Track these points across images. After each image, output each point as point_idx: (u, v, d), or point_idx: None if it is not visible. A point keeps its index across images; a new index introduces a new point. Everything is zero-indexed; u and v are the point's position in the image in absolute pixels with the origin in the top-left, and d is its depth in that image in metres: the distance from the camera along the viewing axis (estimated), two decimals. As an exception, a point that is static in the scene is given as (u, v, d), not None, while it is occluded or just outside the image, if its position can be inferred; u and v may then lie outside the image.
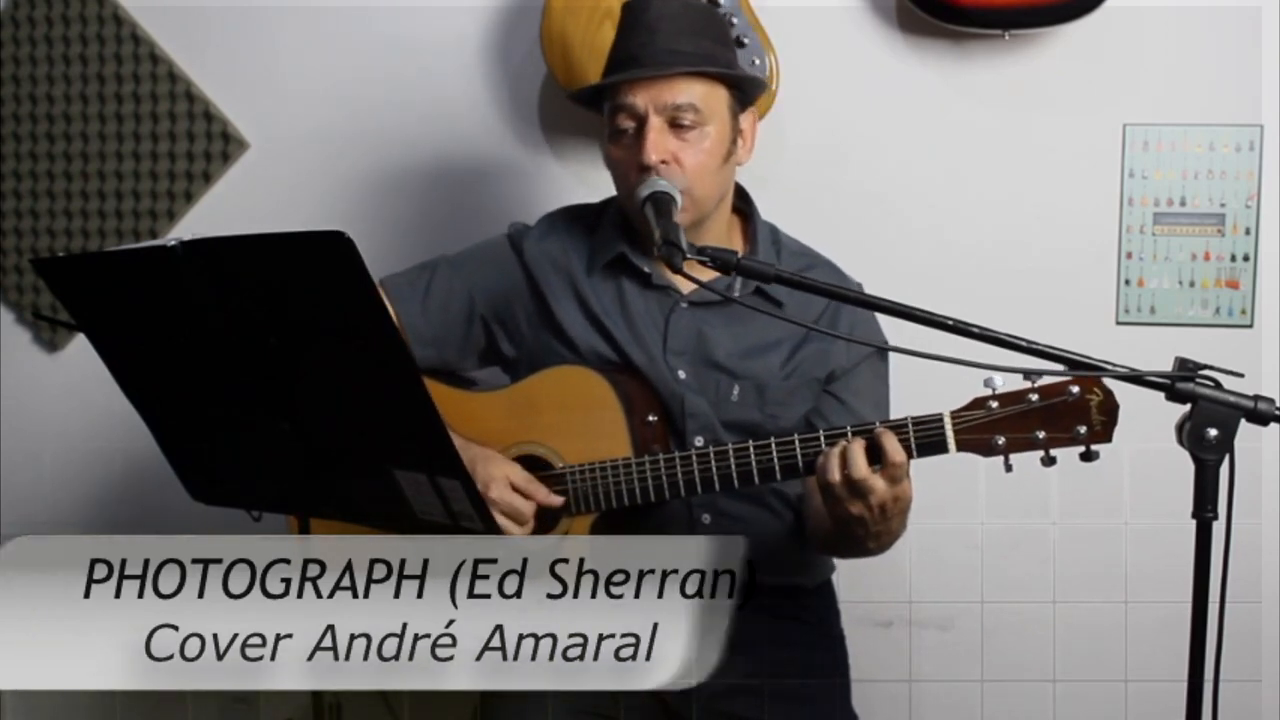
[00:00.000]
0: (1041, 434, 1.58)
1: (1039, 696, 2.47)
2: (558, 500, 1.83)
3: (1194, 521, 1.34)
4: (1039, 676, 2.47)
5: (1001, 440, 1.60)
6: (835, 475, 1.62)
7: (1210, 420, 1.33)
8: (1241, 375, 1.37)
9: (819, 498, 1.71)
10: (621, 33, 1.89)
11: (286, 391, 1.54)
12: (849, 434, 1.66)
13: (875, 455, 1.62)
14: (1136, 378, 1.39)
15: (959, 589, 2.48)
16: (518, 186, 2.58)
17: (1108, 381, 1.54)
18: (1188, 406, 1.35)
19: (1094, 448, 1.57)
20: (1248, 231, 2.35)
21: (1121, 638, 2.43)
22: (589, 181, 2.52)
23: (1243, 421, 1.33)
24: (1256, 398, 1.34)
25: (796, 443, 1.71)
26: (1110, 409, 1.56)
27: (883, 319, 1.94)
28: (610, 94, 1.86)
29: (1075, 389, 1.56)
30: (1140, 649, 2.40)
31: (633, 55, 1.84)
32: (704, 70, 1.82)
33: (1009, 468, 1.60)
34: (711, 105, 1.83)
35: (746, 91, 1.90)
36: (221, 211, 2.70)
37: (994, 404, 1.60)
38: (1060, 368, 1.43)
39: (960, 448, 1.63)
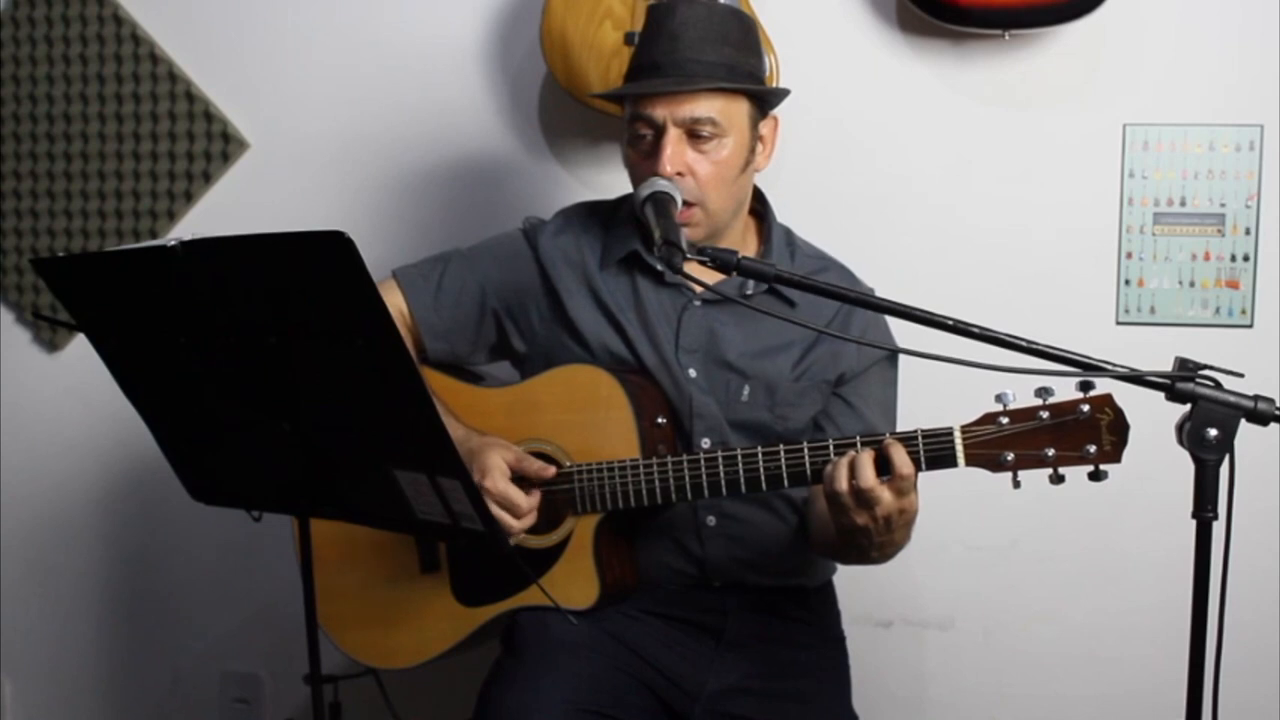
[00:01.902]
0: (1051, 452, 1.57)
1: (1039, 696, 2.47)
2: (550, 470, 1.83)
3: (1194, 521, 1.34)
4: (1039, 676, 2.46)
5: (1011, 457, 1.59)
6: (843, 485, 1.62)
7: (1210, 420, 1.33)
8: (1241, 375, 1.37)
9: (824, 505, 1.71)
10: (646, 36, 1.88)
11: (286, 391, 1.54)
12: (858, 444, 1.66)
13: (883, 466, 1.62)
14: (1136, 378, 1.38)
15: (959, 589, 2.48)
16: (517, 186, 2.58)
17: (1112, 391, 1.54)
18: (1188, 406, 1.35)
19: (1102, 467, 1.56)
20: (1248, 231, 2.35)
21: (1121, 638, 2.42)
22: (589, 182, 2.52)
23: (1243, 421, 1.33)
24: (1256, 398, 1.34)
25: (805, 451, 1.71)
26: (1120, 429, 1.55)
27: (893, 325, 1.94)
28: (630, 99, 1.86)
29: (1086, 408, 1.55)
30: (1139, 649, 2.40)
31: (655, 63, 1.83)
32: (724, 86, 1.82)
33: (1017, 484, 1.60)
34: (731, 117, 1.83)
35: (768, 99, 1.90)
36: (221, 211, 2.71)
37: (1004, 420, 1.59)
38: (1061, 368, 1.43)
39: (969, 463, 1.62)
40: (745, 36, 1.88)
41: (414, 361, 1.45)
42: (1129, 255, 2.39)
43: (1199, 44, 2.35)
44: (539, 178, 2.56)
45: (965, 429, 1.62)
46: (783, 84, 2.33)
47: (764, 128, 1.90)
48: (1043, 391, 1.53)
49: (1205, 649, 1.34)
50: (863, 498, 1.61)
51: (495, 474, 1.80)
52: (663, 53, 1.82)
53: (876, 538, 1.67)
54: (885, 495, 1.61)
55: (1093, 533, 2.42)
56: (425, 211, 2.63)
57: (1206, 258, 2.37)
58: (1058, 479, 1.58)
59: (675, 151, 1.80)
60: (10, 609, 2.91)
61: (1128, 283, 2.39)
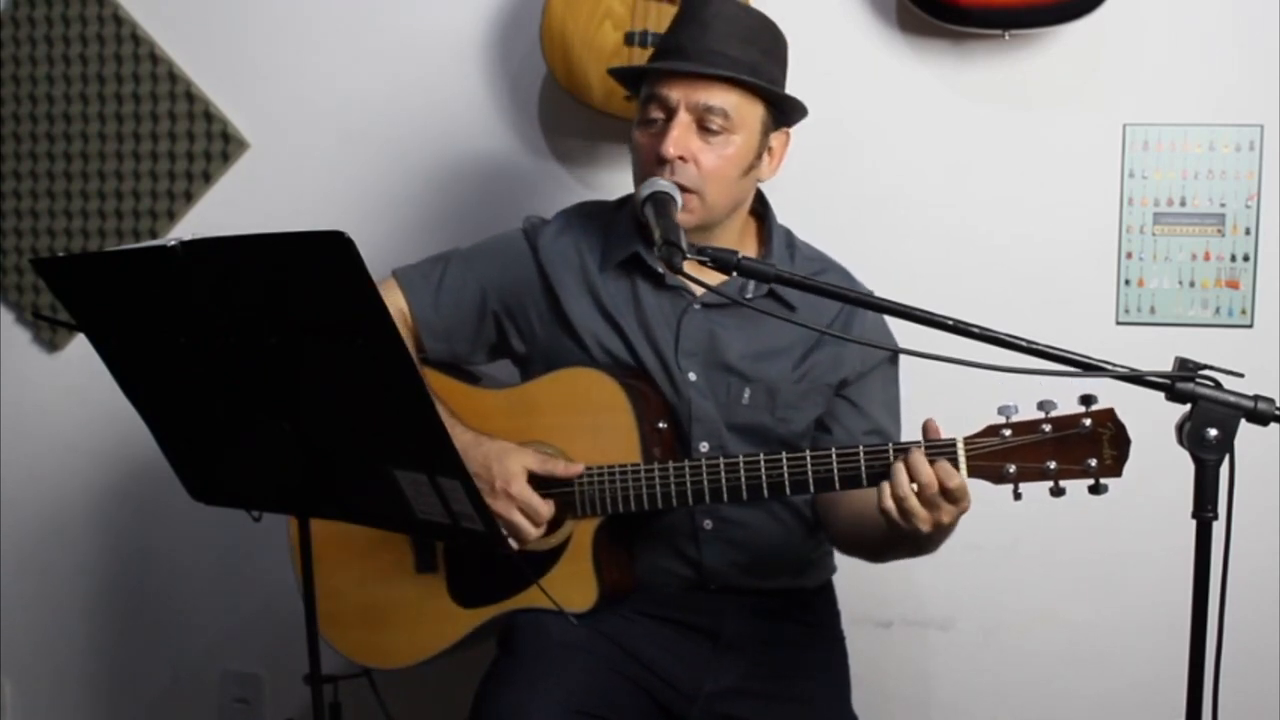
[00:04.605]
0: (1053, 465, 1.58)
1: (1039, 696, 2.47)
2: (578, 469, 1.83)
3: (1194, 521, 1.34)
4: (1040, 676, 2.46)
5: (1013, 469, 1.60)
6: (906, 491, 1.60)
7: (1210, 420, 1.33)
8: (1241, 375, 1.37)
9: (856, 509, 1.73)
10: (677, 20, 1.88)
11: (286, 391, 1.54)
12: (860, 454, 1.67)
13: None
14: (1136, 378, 1.39)
15: (960, 589, 2.48)
16: (517, 186, 2.58)
17: (1113, 395, 1.54)
18: (1188, 406, 1.35)
19: (1103, 481, 1.57)
20: (1248, 231, 2.35)
21: (1121, 638, 2.42)
22: (589, 182, 2.52)
23: (1243, 421, 1.33)
24: (1256, 398, 1.34)
25: (808, 459, 1.71)
26: (1122, 443, 1.56)
27: (893, 325, 1.94)
28: (648, 81, 1.86)
29: (1088, 422, 1.56)
30: (1140, 649, 2.40)
31: (680, 47, 1.82)
32: (743, 80, 1.81)
33: (1018, 496, 1.60)
34: (743, 115, 1.82)
35: (785, 111, 1.89)
36: (221, 211, 2.71)
37: (1007, 432, 1.60)
38: (1061, 368, 1.43)
39: (972, 474, 1.62)
40: (774, 46, 1.88)
41: (414, 361, 1.45)
42: (1129, 255, 2.39)
43: (1199, 44, 2.35)
44: (539, 178, 2.56)
45: (968, 440, 1.62)
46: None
47: (775, 139, 1.89)
48: (1045, 404, 1.54)
49: (1205, 649, 1.35)
50: (934, 500, 1.61)
51: (518, 480, 1.81)
52: (689, 38, 1.82)
53: (944, 533, 1.67)
54: (933, 492, 1.60)
55: (1093, 533, 2.42)
56: (425, 211, 2.63)
57: (1206, 258, 2.37)
58: (1058, 492, 1.59)
59: (681, 135, 1.80)
60: (10, 609, 2.91)
61: (1128, 283, 2.39)
